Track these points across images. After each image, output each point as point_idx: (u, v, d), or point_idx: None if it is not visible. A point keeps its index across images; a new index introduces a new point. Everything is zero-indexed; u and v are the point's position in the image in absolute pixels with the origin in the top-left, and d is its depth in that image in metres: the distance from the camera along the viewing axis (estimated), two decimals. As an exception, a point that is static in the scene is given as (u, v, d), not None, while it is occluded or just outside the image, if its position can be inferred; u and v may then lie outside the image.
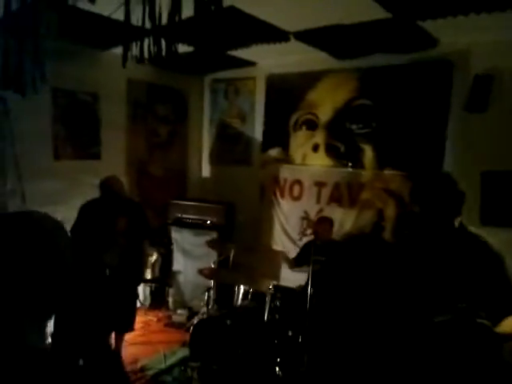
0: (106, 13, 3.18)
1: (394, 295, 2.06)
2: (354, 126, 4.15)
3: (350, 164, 4.20)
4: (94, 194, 4.43)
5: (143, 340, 4.09)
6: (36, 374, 0.78)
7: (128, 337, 4.03)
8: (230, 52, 4.28)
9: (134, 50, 3.21)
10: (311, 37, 3.66)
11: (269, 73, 4.79)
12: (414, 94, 3.83)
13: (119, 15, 3.19)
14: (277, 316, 3.18)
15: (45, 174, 3.87)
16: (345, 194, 4.21)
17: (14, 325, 0.81)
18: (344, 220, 4.16)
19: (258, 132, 5.02)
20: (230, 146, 5.23)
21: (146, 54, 3.03)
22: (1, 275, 0.79)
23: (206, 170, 5.53)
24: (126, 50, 2.12)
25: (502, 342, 1.74)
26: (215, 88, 5.30)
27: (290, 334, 3.14)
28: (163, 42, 3.29)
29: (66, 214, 3.83)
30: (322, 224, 3.72)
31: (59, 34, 2.24)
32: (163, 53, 3.44)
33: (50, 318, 0.90)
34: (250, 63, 4.74)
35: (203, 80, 5.39)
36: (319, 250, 3.50)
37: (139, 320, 4.46)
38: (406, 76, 3.87)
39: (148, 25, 2.41)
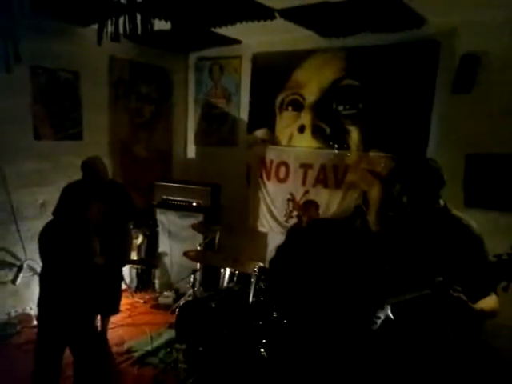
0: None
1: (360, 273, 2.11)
2: (340, 107, 4.11)
3: (335, 146, 4.18)
4: (78, 175, 4.36)
5: (130, 322, 4.10)
6: None
7: (114, 319, 4.04)
8: (214, 29, 4.17)
9: (110, 27, 3.10)
10: (297, 15, 3.58)
11: (254, 51, 4.69)
12: (400, 75, 3.80)
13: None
14: (261, 298, 3.19)
15: (25, 154, 3.78)
16: (331, 176, 4.20)
17: None
18: (330, 202, 4.16)
19: (243, 112, 4.94)
20: (216, 126, 5.15)
21: (121, 31, 2.94)
22: None
23: (191, 151, 5.46)
24: (102, 26, 2.04)
25: (479, 319, 1.79)
26: (200, 66, 5.18)
27: (274, 315, 3.16)
28: (139, 19, 3.19)
29: (49, 196, 3.79)
30: (308, 208, 3.71)
31: (36, 11, 2.13)
32: (138, 30, 3.35)
33: None
34: (235, 41, 4.63)
35: (187, 58, 5.26)
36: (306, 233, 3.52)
37: (126, 302, 4.47)
38: (392, 56, 3.83)
39: (124, 0, 2.31)
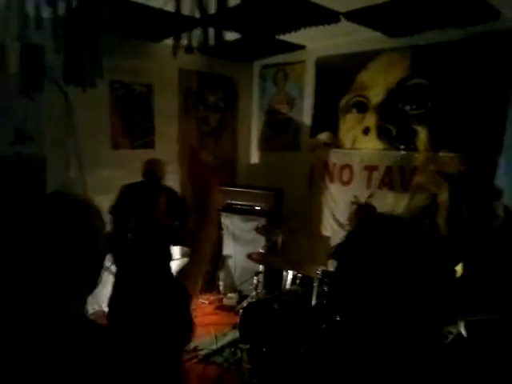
0: (157, 5, 3.29)
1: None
2: (407, 107, 3.99)
3: (402, 147, 4.06)
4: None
5: (196, 321, 4.24)
6: (84, 341, 0.87)
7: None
8: (278, 37, 4.26)
9: (184, 40, 3.30)
10: (362, 16, 3.55)
11: (318, 55, 4.71)
12: (472, 71, 3.61)
13: (170, 7, 3.30)
14: (324, 301, 3.19)
15: (104, 163, 4.11)
16: (397, 178, 4.09)
17: (57, 296, 0.90)
18: (396, 205, 4.04)
19: (306, 117, 4.97)
20: (279, 131, 5.24)
21: (194, 44, 3.12)
22: (41, 252, 0.88)
23: (254, 157, 5.59)
24: (177, 40, 2.19)
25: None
26: (264, 74, 5.30)
27: (337, 318, 3.14)
28: (211, 31, 3.36)
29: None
30: (363, 211, 3.62)
31: (115, 29, 2.35)
32: (211, 41, 3.53)
33: (89, 291, 0.98)
34: (299, 47, 4.69)
35: (252, 66, 5.41)
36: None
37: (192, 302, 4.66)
38: (463, 52, 3.65)
39: (197, 14, 2.47)
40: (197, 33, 3.52)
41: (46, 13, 2.27)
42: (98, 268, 0.98)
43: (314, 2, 3.28)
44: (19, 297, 0.90)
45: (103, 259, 0.99)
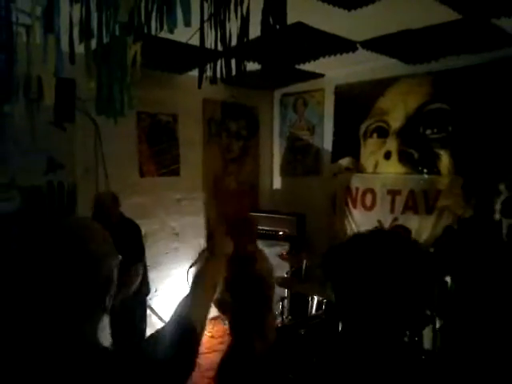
0: (182, 39, 3.46)
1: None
2: (428, 131, 4.02)
3: (425, 170, 4.06)
4: (176, 208, 4.77)
5: (221, 348, 4.24)
6: (99, 369, 0.87)
7: (208, 345, 4.23)
8: (298, 66, 4.39)
9: (208, 71, 3.46)
10: (379, 44, 3.65)
11: (337, 83, 4.82)
12: (493, 94, 3.63)
13: (193, 41, 3.48)
14: (352, 326, 3.14)
15: (132, 190, 4.23)
16: (421, 202, 4.07)
17: (73, 323, 0.90)
18: (421, 228, 4.01)
19: (327, 142, 5.04)
20: (300, 157, 5.31)
21: (218, 75, 3.27)
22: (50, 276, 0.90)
23: (276, 182, 5.66)
24: (202, 72, 2.30)
25: None
26: (284, 102, 5.44)
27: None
28: (234, 62, 3.51)
29: (149, 227, 4.18)
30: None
31: (144, 63, 2.48)
32: (234, 72, 3.67)
33: (101, 317, 0.98)
34: (318, 75, 4.82)
35: (273, 95, 5.57)
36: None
37: (218, 329, 4.66)
38: (483, 76, 3.69)
39: (220, 47, 2.60)
40: (220, 64, 3.69)
41: (79, 48, 2.43)
42: (102, 294, 0.97)
43: (332, 33, 3.41)
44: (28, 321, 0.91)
45: (107, 285, 0.98)
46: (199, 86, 2.22)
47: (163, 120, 4.53)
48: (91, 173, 3.98)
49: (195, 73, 4.74)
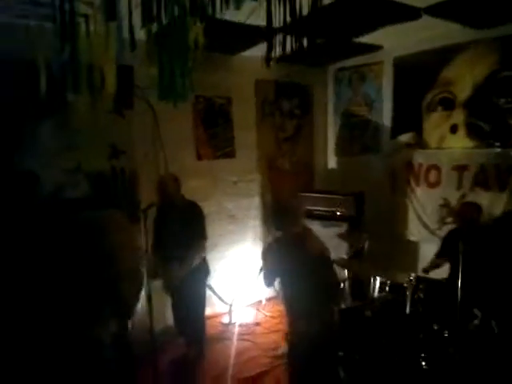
0: (234, 19, 3.39)
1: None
2: (501, 101, 3.71)
3: (497, 144, 3.77)
4: (232, 190, 4.79)
5: (282, 328, 4.26)
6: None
7: (269, 324, 4.28)
8: (356, 39, 4.19)
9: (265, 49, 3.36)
10: (444, 9, 3.38)
11: (396, 55, 4.56)
12: None
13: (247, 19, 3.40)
14: (420, 308, 3.03)
15: (190, 173, 4.28)
16: (492, 177, 3.80)
17: (79, 317, 0.83)
18: (492, 205, 3.75)
19: (386, 118, 4.82)
20: (357, 134, 5.13)
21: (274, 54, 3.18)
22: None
23: (332, 161, 5.52)
24: (270, 49, 2.22)
25: None
26: (339, 77, 5.24)
27: (435, 327, 2.97)
28: (292, 38, 3.40)
29: (207, 209, 4.22)
30: (468, 209, 3.40)
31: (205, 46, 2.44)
32: (293, 48, 3.56)
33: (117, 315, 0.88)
34: (375, 48, 4.57)
35: (326, 71, 5.37)
36: (467, 239, 3.23)
37: (278, 309, 4.69)
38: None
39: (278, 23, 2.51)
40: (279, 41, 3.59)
41: (140, 35, 2.43)
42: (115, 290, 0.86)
43: (394, 1, 3.19)
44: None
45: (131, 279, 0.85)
46: (268, 64, 2.15)
47: (218, 102, 4.51)
48: (151, 158, 4.06)
49: (248, 53, 4.71)
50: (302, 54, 4.22)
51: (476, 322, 3.08)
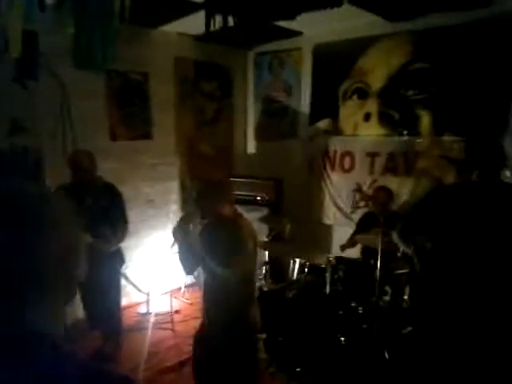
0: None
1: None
2: (409, 92, 3.99)
3: (405, 132, 4.07)
4: (150, 173, 4.54)
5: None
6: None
7: (188, 312, 4.18)
8: (277, 23, 4.18)
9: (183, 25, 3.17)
10: (365, 0, 3.52)
11: (316, 42, 4.66)
12: (476, 55, 3.63)
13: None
14: (340, 287, 3.18)
15: (103, 154, 3.94)
16: (400, 164, 4.10)
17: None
18: (400, 190, 4.05)
19: (304, 105, 4.92)
20: (276, 120, 5.17)
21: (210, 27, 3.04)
22: None
23: (251, 146, 5.52)
24: (209, 17, 2.10)
25: None
26: (259, 62, 5.22)
27: (353, 304, 3.13)
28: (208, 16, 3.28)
29: (125, 194, 3.96)
30: (381, 193, 3.63)
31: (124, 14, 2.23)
32: (215, 26, 3.44)
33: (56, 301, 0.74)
34: (295, 33, 4.62)
35: (247, 54, 5.32)
36: (378, 221, 3.46)
37: (197, 295, 4.60)
38: (465, 36, 3.66)
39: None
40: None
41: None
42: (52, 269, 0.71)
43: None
44: None
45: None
46: (207, 30, 2.02)
47: (134, 79, 4.22)
48: (58, 136, 3.67)
49: (167, 28, 4.45)
50: (222, 33, 4.12)
51: (387, 297, 3.31)
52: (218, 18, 3.65)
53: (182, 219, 2.46)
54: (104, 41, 2.17)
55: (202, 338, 2.45)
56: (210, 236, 2.31)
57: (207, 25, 3.55)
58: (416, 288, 2.97)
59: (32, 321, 0.69)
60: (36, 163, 3.51)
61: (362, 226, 3.74)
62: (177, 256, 2.39)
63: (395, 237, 2.39)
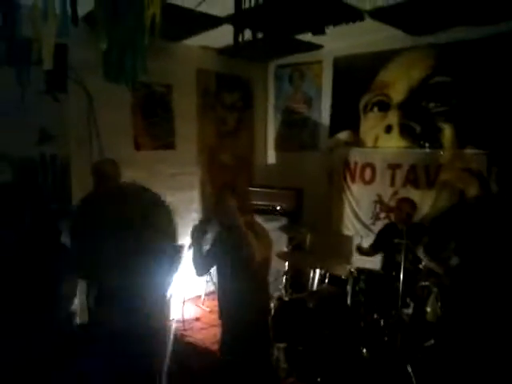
0: (185, 4, 3.27)
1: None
2: (431, 105, 4.00)
3: (427, 144, 4.06)
4: (172, 183, 4.62)
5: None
6: None
7: (206, 319, 4.21)
8: (296, 36, 4.25)
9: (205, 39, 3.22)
10: (387, 14, 3.55)
11: (336, 55, 4.71)
12: (496, 68, 3.63)
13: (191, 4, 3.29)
14: (362, 299, 3.16)
15: (127, 163, 4.04)
16: (422, 176, 4.09)
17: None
18: (422, 202, 4.02)
19: (324, 117, 4.97)
20: (296, 131, 5.22)
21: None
22: None
23: (271, 157, 5.57)
24: (238, 31, 2.16)
25: None
26: (280, 74, 5.29)
27: (375, 316, 3.12)
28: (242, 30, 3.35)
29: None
30: (404, 204, 3.62)
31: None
32: (241, 40, 3.52)
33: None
34: (316, 47, 4.68)
35: (268, 67, 5.40)
36: (400, 233, 3.45)
37: (215, 304, 4.62)
38: (487, 49, 3.67)
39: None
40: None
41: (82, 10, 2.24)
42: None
43: (339, 0, 3.28)
44: None
45: None
46: (235, 44, 2.09)
47: (158, 91, 4.32)
48: (85, 145, 3.77)
49: (189, 42, 4.56)
50: (244, 46, 4.22)
51: (409, 310, 3.28)
52: (246, 32, 3.75)
53: (200, 222, 2.55)
54: (135, 55, 2.25)
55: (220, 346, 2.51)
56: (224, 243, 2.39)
57: (235, 39, 3.64)
58: (444, 302, 2.95)
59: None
60: (64, 171, 3.61)
61: (383, 237, 3.73)
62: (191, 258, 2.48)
63: (421, 252, 2.39)
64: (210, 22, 3.70)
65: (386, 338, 3.08)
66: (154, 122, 4.32)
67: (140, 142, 4.23)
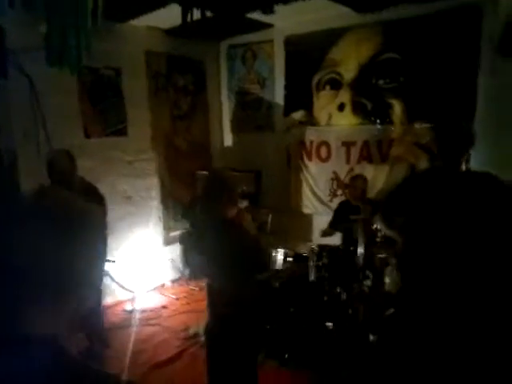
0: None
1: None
2: (380, 82, 4.10)
3: (378, 121, 4.17)
4: (128, 170, 4.48)
5: (190, 308, 4.21)
6: None
7: (175, 307, 4.19)
8: (248, 15, 4.18)
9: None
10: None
11: (287, 34, 4.69)
12: (442, 44, 3.76)
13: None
14: (326, 274, 3.25)
15: (77, 152, 3.87)
16: (375, 152, 4.21)
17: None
18: (376, 177, 4.17)
19: (278, 96, 4.96)
20: (251, 112, 5.19)
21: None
22: None
23: (228, 139, 5.52)
24: (186, 12, 2.10)
25: None
26: (232, 54, 5.21)
27: (338, 290, 3.22)
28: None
29: (102, 192, 3.89)
30: (356, 181, 3.74)
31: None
32: (188, 20, 3.43)
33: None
34: (266, 25, 4.64)
35: (219, 47, 5.30)
36: (355, 209, 3.57)
37: (182, 290, 4.61)
38: (432, 26, 3.79)
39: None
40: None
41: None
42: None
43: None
44: None
45: None
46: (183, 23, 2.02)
47: (105, 74, 4.13)
48: (31, 135, 3.56)
49: (136, 22, 4.38)
50: (193, 26, 4.09)
51: (368, 282, 3.41)
52: (195, 12, 3.63)
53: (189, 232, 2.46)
54: (78, 38, 2.13)
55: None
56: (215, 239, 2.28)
57: (184, 18, 3.53)
58: (400, 271, 3.08)
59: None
60: (10, 165, 3.41)
61: (339, 215, 3.83)
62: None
63: (379, 222, 2.46)
64: (157, 1, 3.56)
65: (349, 311, 3.20)
66: (104, 108, 4.14)
67: (90, 130, 4.05)
